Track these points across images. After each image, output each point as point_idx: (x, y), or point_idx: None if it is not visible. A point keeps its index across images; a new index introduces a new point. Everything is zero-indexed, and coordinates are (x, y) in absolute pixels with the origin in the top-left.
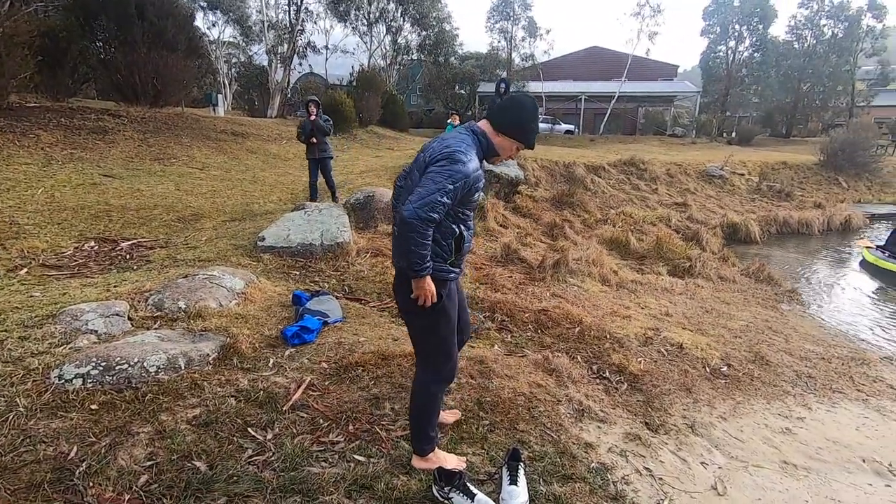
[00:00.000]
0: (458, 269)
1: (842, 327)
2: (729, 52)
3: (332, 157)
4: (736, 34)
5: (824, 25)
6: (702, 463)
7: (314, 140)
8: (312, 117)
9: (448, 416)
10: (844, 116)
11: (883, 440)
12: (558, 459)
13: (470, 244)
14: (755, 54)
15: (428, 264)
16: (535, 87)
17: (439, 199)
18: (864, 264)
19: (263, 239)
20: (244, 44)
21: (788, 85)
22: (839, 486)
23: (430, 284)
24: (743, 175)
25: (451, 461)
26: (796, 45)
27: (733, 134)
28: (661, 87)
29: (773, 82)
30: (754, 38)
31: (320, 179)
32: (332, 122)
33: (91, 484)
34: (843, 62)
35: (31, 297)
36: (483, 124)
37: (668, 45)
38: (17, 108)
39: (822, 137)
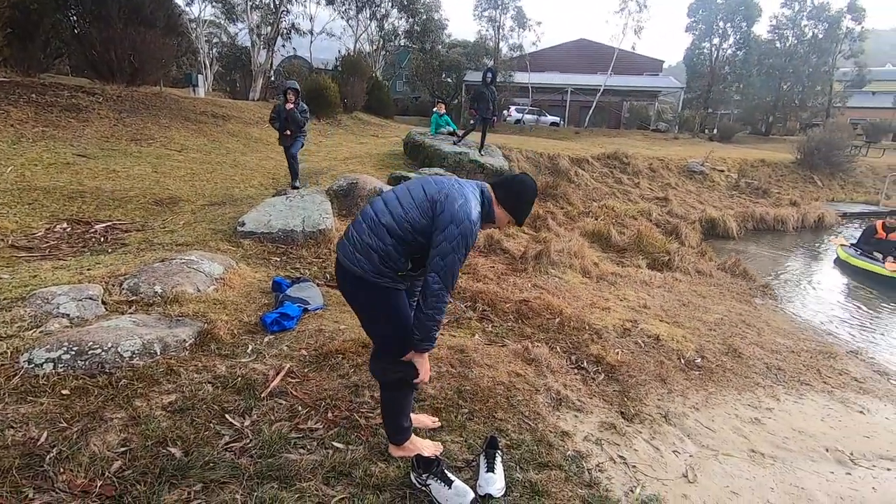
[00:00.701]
0: (403, 285)
1: (812, 322)
2: (713, 49)
3: (303, 144)
4: (720, 31)
5: (805, 26)
6: (674, 451)
7: (289, 132)
8: (290, 105)
9: (426, 420)
10: (822, 116)
11: (846, 430)
12: (535, 447)
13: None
14: (738, 52)
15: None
16: (521, 77)
17: (460, 266)
18: (838, 261)
19: (244, 224)
20: (226, 23)
21: (769, 83)
22: (803, 473)
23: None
24: (723, 171)
25: (428, 447)
26: (778, 45)
27: (715, 130)
28: (646, 81)
29: (755, 80)
30: (738, 36)
31: (303, 165)
32: (308, 113)
33: (62, 470)
34: (822, 63)
35: (0, 279)
36: (490, 190)
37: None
38: None
39: (799, 136)
